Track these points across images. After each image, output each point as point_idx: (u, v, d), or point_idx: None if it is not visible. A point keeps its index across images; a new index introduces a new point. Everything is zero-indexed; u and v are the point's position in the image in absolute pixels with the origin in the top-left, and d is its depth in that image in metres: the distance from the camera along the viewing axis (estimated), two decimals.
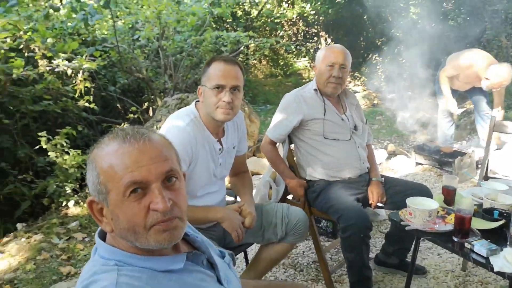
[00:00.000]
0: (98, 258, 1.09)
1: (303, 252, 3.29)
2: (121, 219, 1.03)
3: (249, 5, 11.89)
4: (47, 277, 3.12)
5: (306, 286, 1.55)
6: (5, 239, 3.98)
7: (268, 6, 12.25)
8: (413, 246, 2.27)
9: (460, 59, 4.67)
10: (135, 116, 6.55)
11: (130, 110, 6.60)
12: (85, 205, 4.36)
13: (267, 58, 13.92)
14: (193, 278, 1.12)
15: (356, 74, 12.14)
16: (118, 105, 6.93)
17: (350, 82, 12.27)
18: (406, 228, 2.06)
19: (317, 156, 2.72)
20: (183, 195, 1.10)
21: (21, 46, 4.88)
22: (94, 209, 1.09)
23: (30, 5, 7.27)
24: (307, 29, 13.50)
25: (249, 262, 2.59)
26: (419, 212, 2.04)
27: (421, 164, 5.09)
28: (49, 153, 4.51)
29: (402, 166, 5.10)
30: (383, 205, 2.75)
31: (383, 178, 2.78)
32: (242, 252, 2.75)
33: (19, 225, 4.32)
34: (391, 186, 2.72)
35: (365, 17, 12.13)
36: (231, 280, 1.24)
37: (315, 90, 2.73)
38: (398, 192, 2.63)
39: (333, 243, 3.21)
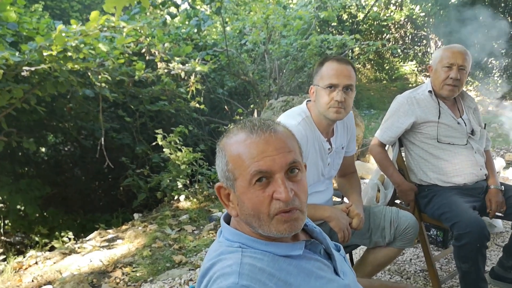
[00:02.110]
0: (223, 240, 1.17)
1: (410, 259, 3.18)
2: (246, 205, 1.10)
3: (356, 8, 11.72)
4: (161, 264, 3.36)
5: (419, 287, 1.49)
6: (124, 227, 4.36)
7: (375, 9, 11.99)
8: None
9: None
10: (241, 118, 6.79)
11: (236, 111, 6.86)
12: (195, 200, 4.62)
13: (372, 62, 13.62)
14: (311, 265, 1.15)
15: (469, 78, 11.40)
16: (226, 107, 7.23)
17: None
18: None
19: (429, 160, 2.61)
20: (304, 186, 1.14)
21: (143, 51, 5.31)
22: (222, 194, 1.17)
23: (148, 13, 7.90)
24: (415, 31, 12.97)
25: (354, 264, 2.56)
26: None
27: None
28: (164, 150, 4.85)
29: None
30: (502, 215, 2.56)
31: (502, 186, 2.59)
32: (348, 254, 2.74)
33: (135, 215, 4.70)
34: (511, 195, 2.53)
35: (480, 18, 11.36)
36: (347, 273, 1.25)
37: (430, 92, 2.62)
38: None
39: (443, 252, 3.05)
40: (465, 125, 2.61)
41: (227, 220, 1.23)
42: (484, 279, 2.32)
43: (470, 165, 2.56)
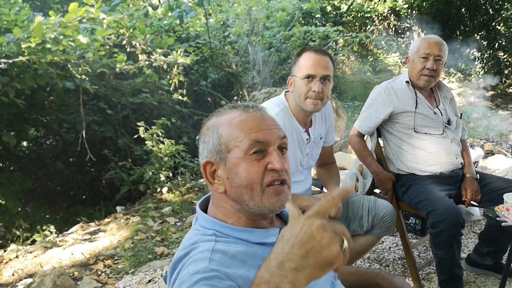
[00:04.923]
0: (198, 227, 1.19)
1: (389, 247, 3.23)
2: (239, 176, 1.13)
3: (339, 0, 11.73)
4: (143, 256, 3.36)
5: (394, 275, 1.52)
6: (106, 220, 4.34)
7: (358, 0, 12.01)
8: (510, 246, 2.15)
9: None
10: None
11: (220, 104, 6.84)
12: (177, 192, 4.62)
13: (356, 54, 13.65)
14: None
15: (451, 70, 11.52)
16: (209, 99, 7.20)
17: (444, 79, 11.67)
18: (503, 224, 1.95)
19: (406, 150, 2.65)
20: (289, 166, 1.19)
21: (124, 42, 5.26)
22: (208, 171, 1.19)
23: (131, 5, 7.81)
24: (399, 23, 13.03)
25: None
26: None
27: None
28: (146, 142, 4.82)
29: (499, 166, 4.79)
30: (477, 204, 2.61)
31: (478, 175, 2.64)
32: None
33: (118, 208, 4.68)
34: (487, 183, 2.58)
35: (463, 10, 11.46)
36: None
37: (407, 82, 2.65)
38: (495, 189, 2.48)
39: (421, 240, 3.11)
40: (442, 115, 2.66)
41: (203, 208, 1.25)
42: (459, 265, 2.37)
43: (446, 154, 2.61)
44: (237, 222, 1.16)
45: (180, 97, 5.85)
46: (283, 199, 1.14)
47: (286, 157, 1.18)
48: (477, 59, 11.44)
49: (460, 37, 11.73)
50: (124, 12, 6.06)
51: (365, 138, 2.81)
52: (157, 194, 4.80)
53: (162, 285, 2.93)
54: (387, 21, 13.33)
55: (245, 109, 1.18)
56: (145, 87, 5.54)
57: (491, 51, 11.16)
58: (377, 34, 12.84)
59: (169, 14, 6.74)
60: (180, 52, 5.70)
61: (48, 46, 4.02)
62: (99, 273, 3.16)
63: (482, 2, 11.31)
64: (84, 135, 4.70)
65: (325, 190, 2.56)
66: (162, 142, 4.90)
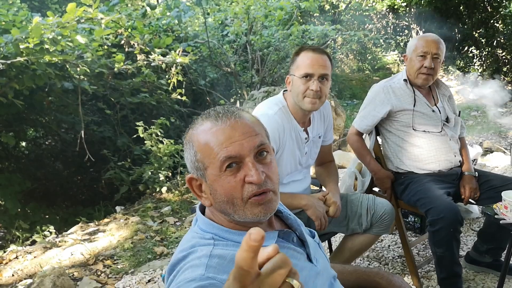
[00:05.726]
0: (197, 229, 1.17)
1: (389, 246, 3.23)
2: (219, 193, 1.10)
3: None
4: (143, 256, 3.36)
5: (393, 274, 1.52)
6: (106, 220, 4.34)
7: None
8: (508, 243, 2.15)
9: None
10: None
11: (219, 103, 6.83)
12: (177, 192, 4.62)
13: (355, 52, 13.66)
14: None
15: (450, 68, 11.52)
16: (208, 98, 7.21)
17: (443, 76, 11.68)
18: (501, 222, 1.96)
19: (405, 148, 2.65)
20: (274, 168, 1.15)
21: (122, 42, 5.26)
22: (194, 185, 1.17)
23: (129, 4, 7.80)
24: (397, 21, 13.04)
25: (333, 251, 2.60)
26: None
27: None
28: (145, 142, 4.82)
29: (498, 163, 4.79)
30: (474, 202, 2.62)
31: (476, 173, 2.65)
32: (326, 241, 2.77)
33: (118, 208, 4.68)
34: (485, 181, 2.58)
35: (461, 7, 11.46)
36: (319, 259, 1.27)
37: (405, 80, 2.65)
38: (493, 187, 2.49)
39: (420, 238, 3.11)
40: (440, 113, 2.66)
41: (202, 209, 1.24)
42: (458, 263, 2.37)
43: (445, 152, 2.61)
44: (233, 227, 1.15)
45: (179, 97, 5.85)
46: (266, 207, 1.11)
47: (267, 162, 1.13)
48: (475, 57, 11.45)
49: (459, 35, 11.73)
50: (122, 12, 6.06)
51: (363, 136, 2.81)
52: (156, 194, 4.80)
53: (161, 285, 2.93)
54: (386, 19, 13.33)
55: (216, 119, 1.12)
56: (144, 87, 5.54)
57: (489, 48, 11.17)
58: (375, 32, 12.84)
59: (167, 13, 6.74)
60: (179, 51, 5.70)
61: (46, 46, 4.02)
62: (99, 273, 3.16)
63: None
64: (83, 135, 4.71)
65: (323, 188, 2.56)
66: (161, 142, 4.90)
